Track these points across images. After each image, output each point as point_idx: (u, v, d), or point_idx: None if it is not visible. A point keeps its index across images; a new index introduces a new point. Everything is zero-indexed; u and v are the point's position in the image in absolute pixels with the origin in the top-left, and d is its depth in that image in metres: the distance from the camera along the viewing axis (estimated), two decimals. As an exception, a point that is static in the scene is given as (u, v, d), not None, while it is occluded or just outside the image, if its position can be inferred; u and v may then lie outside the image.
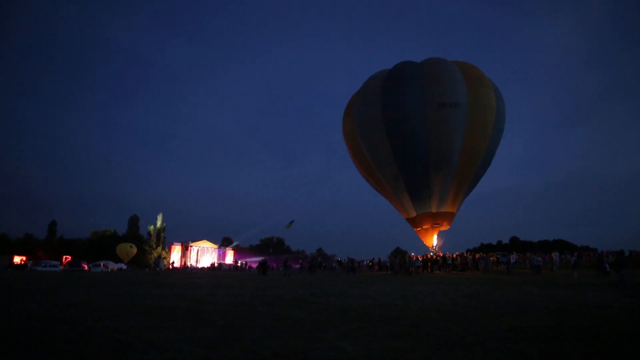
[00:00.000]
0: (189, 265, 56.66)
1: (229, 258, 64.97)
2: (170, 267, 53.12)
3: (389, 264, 36.31)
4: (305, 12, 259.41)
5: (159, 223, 66.69)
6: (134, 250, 54.82)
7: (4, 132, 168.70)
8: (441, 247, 33.66)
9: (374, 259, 42.44)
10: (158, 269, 34.15)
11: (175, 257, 58.58)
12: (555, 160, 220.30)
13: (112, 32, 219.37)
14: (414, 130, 28.92)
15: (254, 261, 58.01)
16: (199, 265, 58.97)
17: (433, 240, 32.98)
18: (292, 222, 46.08)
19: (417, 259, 34.91)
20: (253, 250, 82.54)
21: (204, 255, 62.38)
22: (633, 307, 8.28)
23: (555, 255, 31.50)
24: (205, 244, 63.29)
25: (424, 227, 32.65)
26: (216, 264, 59.36)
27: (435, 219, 31.89)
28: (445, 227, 32.62)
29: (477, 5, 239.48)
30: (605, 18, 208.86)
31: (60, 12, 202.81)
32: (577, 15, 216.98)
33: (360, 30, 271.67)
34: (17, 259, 50.05)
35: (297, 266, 50.38)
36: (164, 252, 62.58)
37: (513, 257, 31.75)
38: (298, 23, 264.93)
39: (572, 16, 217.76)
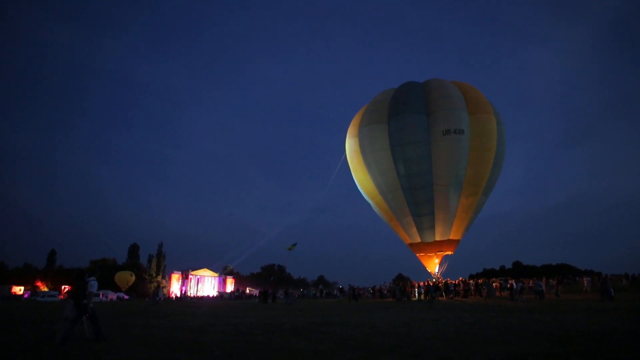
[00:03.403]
0: (189, 295, 55.67)
1: (229, 286, 64.08)
2: (176, 296, 52.17)
3: (389, 291, 35.84)
4: (303, 35, 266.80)
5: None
6: (133, 278, 54.27)
7: (2, 160, 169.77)
8: (443, 272, 33.24)
9: (375, 285, 41.91)
10: (157, 298, 33.71)
11: (175, 286, 57.73)
12: (556, 182, 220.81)
13: (106, 57, 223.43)
14: (419, 156, 29.01)
15: (254, 289, 57.28)
16: (200, 294, 58.04)
17: (435, 267, 32.59)
18: (295, 244, 46.10)
19: (420, 285, 34.40)
20: (254, 278, 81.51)
21: (205, 283, 61.54)
22: (637, 332, 8.15)
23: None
24: (205, 273, 62.53)
25: (427, 253, 32.33)
26: (222, 293, 58.29)
27: (439, 246, 31.59)
28: (448, 252, 32.27)
29: (475, 28, 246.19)
30: (603, 36, 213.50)
31: (53, 38, 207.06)
32: (575, 34, 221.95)
33: (358, 52, 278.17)
34: (15, 289, 49.47)
35: (297, 294, 50.58)
36: (163, 281, 61.79)
37: (515, 283, 31.45)
38: (295, 47, 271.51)
39: (570, 36, 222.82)
